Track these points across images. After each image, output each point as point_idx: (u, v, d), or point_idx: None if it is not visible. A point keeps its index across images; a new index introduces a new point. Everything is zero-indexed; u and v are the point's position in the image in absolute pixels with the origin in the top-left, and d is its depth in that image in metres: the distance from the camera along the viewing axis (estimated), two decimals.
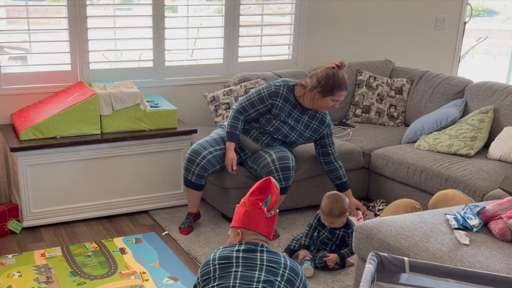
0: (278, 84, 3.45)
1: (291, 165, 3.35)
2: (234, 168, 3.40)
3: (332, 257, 3.08)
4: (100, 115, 3.56)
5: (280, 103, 3.43)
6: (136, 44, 4.14)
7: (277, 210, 2.37)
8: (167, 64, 4.14)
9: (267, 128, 3.47)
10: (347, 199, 3.13)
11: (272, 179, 2.30)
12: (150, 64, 4.10)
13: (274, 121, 3.45)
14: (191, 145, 3.72)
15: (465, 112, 4.01)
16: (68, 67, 3.83)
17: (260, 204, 2.24)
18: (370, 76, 4.50)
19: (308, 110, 3.48)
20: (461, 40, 5.42)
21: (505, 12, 10.30)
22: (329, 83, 3.33)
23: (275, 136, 3.48)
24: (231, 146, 3.43)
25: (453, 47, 5.39)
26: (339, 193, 3.14)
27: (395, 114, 4.43)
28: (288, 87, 3.46)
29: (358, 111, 4.46)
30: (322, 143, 3.58)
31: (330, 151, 3.58)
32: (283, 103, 3.43)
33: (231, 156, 3.40)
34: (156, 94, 4.09)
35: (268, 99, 3.42)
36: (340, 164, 3.62)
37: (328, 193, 3.15)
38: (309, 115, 3.49)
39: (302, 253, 3.14)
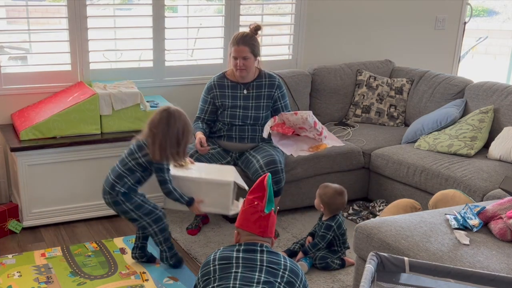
0: (211, 79, 3.56)
1: (280, 168, 3.34)
2: (204, 145, 3.33)
3: (298, 255, 3.13)
4: (100, 115, 3.56)
5: (218, 92, 3.50)
6: (136, 44, 4.14)
7: (277, 208, 2.36)
8: (167, 64, 4.14)
9: (226, 121, 3.50)
10: (341, 201, 3.09)
11: (267, 177, 2.30)
12: (150, 64, 4.09)
13: (226, 111, 3.49)
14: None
15: (465, 112, 4.01)
16: (68, 67, 3.83)
17: (256, 202, 2.24)
18: (370, 76, 4.50)
19: (251, 82, 3.50)
20: (461, 40, 5.42)
21: (505, 12, 10.29)
22: (230, 41, 3.43)
23: (237, 123, 3.49)
24: (198, 133, 3.43)
25: (453, 47, 5.39)
26: (345, 191, 3.11)
27: (395, 114, 4.43)
28: (219, 75, 3.56)
29: (358, 111, 4.46)
30: (275, 108, 3.56)
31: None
32: (221, 91, 3.50)
33: (198, 136, 3.38)
34: (156, 94, 4.09)
35: (207, 97, 3.53)
36: None
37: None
38: (255, 86, 3.51)
39: (308, 240, 3.20)
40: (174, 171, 3.05)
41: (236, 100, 3.48)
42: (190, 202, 3.01)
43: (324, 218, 3.13)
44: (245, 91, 3.48)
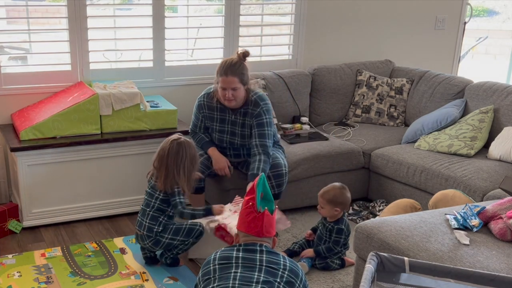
0: (201, 95, 3.39)
1: (284, 171, 3.32)
2: (227, 172, 3.36)
3: (306, 251, 3.11)
4: (100, 115, 3.56)
5: (207, 113, 3.36)
6: (136, 44, 4.14)
7: (275, 207, 2.35)
8: (167, 64, 4.14)
9: (217, 143, 3.43)
10: (347, 198, 3.06)
11: (258, 177, 2.31)
12: (150, 64, 4.09)
13: (214, 134, 3.41)
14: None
15: (465, 112, 4.01)
16: (68, 67, 3.83)
17: (251, 203, 2.25)
18: (370, 76, 4.50)
19: (238, 109, 3.30)
20: (461, 40, 5.42)
21: (505, 12, 10.29)
22: (217, 69, 3.20)
23: (225, 146, 3.41)
24: (214, 151, 3.38)
25: (453, 47, 5.39)
26: (346, 187, 3.10)
27: (395, 114, 4.43)
28: (208, 95, 3.35)
29: (358, 111, 4.46)
30: (251, 135, 3.31)
31: (253, 142, 3.24)
32: (209, 112, 3.36)
33: (222, 159, 3.35)
34: (156, 94, 4.09)
35: (199, 114, 3.40)
36: (260, 158, 3.18)
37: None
38: (241, 113, 3.31)
39: (308, 234, 3.22)
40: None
41: (224, 124, 3.35)
42: (208, 210, 3.04)
43: (330, 220, 3.11)
44: (232, 117, 3.32)
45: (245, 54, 3.20)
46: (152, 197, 3.03)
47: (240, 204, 2.78)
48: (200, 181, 3.39)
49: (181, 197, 2.98)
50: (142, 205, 3.09)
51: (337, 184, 3.11)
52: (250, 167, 3.19)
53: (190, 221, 3.04)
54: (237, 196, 3.25)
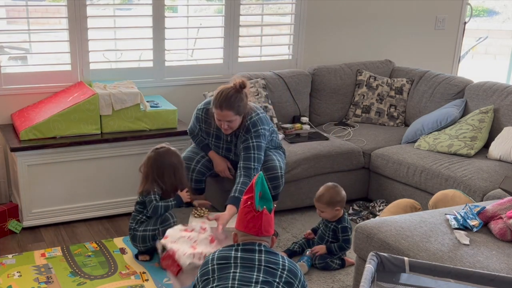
0: (200, 108, 3.35)
1: (279, 174, 3.32)
2: (227, 174, 3.39)
3: (318, 247, 3.11)
4: (100, 115, 3.56)
5: (204, 127, 3.35)
6: (136, 44, 4.14)
7: (274, 206, 2.35)
8: (167, 64, 4.14)
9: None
10: (343, 195, 3.07)
11: (256, 176, 2.31)
12: (150, 64, 4.09)
13: (211, 146, 3.42)
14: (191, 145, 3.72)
15: (465, 112, 4.01)
16: (68, 67, 3.83)
17: (249, 202, 2.25)
18: (370, 76, 4.50)
19: (234, 132, 3.24)
20: (461, 40, 5.42)
21: (505, 12, 10.29)
22: (213, 98, 3.13)
23: (221, 155, 3.43)
24: (214, 154, 3.41)
25: (453, 47, 5.38)
26: (337, 184, 3.11)
27: (395, 114, 4.43)
28: (206, 111, 3.30)
29: (358, 111, 4.46)
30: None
31: (239, 164, 3.18)
32: (206, 127, 3.34)
33: (223, 162, 3.38)
34: (156, 94, 4.09)
35: (197, 124, 3.39)
36: (241, 180, 3.11)
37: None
38: (235, 135, 3.28)
39: (307, 234, 3.25)
40: (193, 223, 3.07)
41: (219, 141, 3.35)
42: (178, 197, 3.16)
43: (332, 220, 3.11)
44: (228, 138, 3.30)
45: (242, 86, 3.10)
46: (136, 202, 3.22)
47: (195, 233, 2.80)
48: (201, 182, 3.40)
49: (156, 196, 3.10)
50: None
51: (329, 184, 3.11)
52: (232, 189, 3.12)
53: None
54: (194, 210, 3.22)
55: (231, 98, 3.05)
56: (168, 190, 3.15)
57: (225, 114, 3.07)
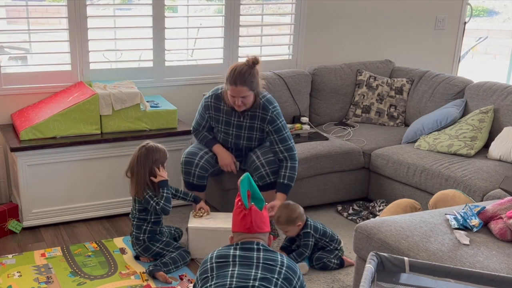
0: (208, 95, 3.37)
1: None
2: (233, 168, 3.39)
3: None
4: (100, 115, 3.56)
5: (213, 114, 3.35)
6: (136, 44, 4.14)
7: (264, 204, 2.36)
8: (167, 64, 4.13)
9: (221, 142, 3.44)
10: (300, 209, 3.05)
11: (242, 176, 2.33)
12: (150, 64, 4.09)
13: (219, 134, 3.41)
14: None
15: (465, 112, 4.01)
16: (68, 67, 3.83)
17: (240, 203, 2.27)
18: (370, 76, 4.50)
19: (246, 111, 3.28)
20: (461, 40, 5.42)
21: (505, 12, 10.30)
22: (226, 75, 3.16)
23: (229, 146, 3.42)
24: (219, 148, 3.41)
25: (453, 47, 5.39)
26: (291, 202, 3.08)
27: (395, 114, 4.43)
28: (216, 96, 3.32)
29: (358, 111, 4.46)
30: (270, 141, 3.32)
31: (276, 149, 3.27)
32: (216, 114, 3.35)
33: (228, 155, 3.38)
34: (156, 94, 4.09)
35: (204, 114, 3.39)
36: (287, 164, 3.26)
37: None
38: (249, 116, 3.29)
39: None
40: (192, 222, 3.16)
41: (229, 127, 3.34)
42: (194, 197, 3.28)
43: (292, 234, 3.10)
44: (245, 120, 3.30)
45: (255, 62, 3.14)
46: (134, 207, 3.15)
47: None
48: (203, 179, 3.39)
49: (155, 199, 3.06)
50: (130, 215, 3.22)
51: (283, 203, 3.09)
52: (278, 175, 3.25)
53: (182, 249, 3.15)
54: (193, 211, 3.30)
55: (245, 74, 3.11)
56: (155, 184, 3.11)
57: (240, 89, 3.11)
